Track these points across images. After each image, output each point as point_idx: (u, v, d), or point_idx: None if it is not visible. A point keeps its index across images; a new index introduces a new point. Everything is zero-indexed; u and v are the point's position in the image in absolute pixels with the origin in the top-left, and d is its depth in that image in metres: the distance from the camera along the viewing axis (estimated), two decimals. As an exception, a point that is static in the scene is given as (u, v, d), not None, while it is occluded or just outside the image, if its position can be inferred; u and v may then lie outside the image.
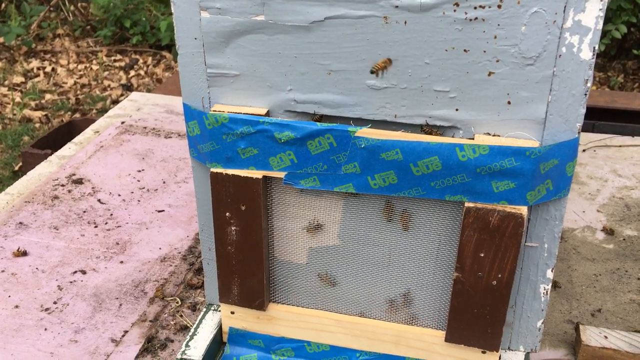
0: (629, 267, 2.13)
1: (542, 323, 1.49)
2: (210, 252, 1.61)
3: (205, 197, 1.54)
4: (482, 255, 1.34)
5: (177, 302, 2.00)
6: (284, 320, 1.59)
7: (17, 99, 5.30)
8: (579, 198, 2.55)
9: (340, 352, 1.59)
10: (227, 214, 1.47)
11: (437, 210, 1.38)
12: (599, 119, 3.43)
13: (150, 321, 1.91)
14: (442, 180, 1.31)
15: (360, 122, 1.37)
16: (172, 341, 1.83)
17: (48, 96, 5.32)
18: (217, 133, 1.39)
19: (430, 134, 1.33)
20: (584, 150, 2.91)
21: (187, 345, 1.57)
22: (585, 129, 3.21)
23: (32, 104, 5.22)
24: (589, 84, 1.21)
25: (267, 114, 1.41)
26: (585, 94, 1.23)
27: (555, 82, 1.22)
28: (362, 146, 1.32)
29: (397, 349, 1.54)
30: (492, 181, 1.28)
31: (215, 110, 1.40)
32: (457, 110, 1.30)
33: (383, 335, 1.54)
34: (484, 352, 1.48)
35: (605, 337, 1.71)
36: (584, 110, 1.24)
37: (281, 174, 1.41)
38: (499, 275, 1.36)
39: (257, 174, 1.41)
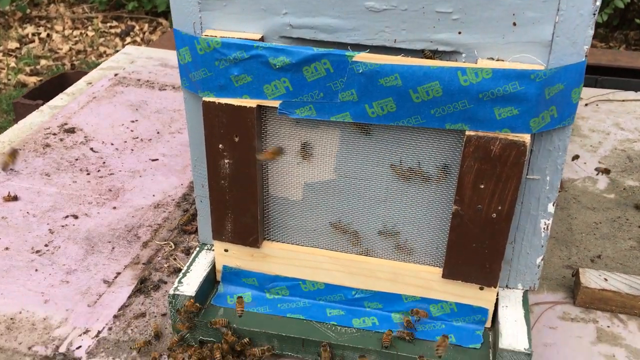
0: (630, 215, 2.10)
1: (542, 260, 1.46)
2: (203, 188, 1.57)
3: (197, 130, 1.49)
4: (482, 186, 1.30)
5: (171, 246, 1.97)
6: (278, 258, 1.56)
7: (12, 65, 5.20)
8: (581, 150, 2.51)
9: (335, 290, 1.56)
10: (220, 145, 1.42)
11: (437, 141, 1.34)
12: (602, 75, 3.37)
13: (143, 264, 1.88)
14: (442, 108, 1.26)
15: (358, 48, 1.31)
16: (165, 283, 1.81)
17: (43, 62, 5.23)
18: (209, 59, 1.33)
19: (432, 59, 1.28)
20: (586, 105, 2.86)
21: (179, 282, 1.54)
22: (588, 83, 3.15)
23: (27, 69, 5.13)
24: (597, 3, 1.16)
25: (261, 40, 1.35)
26: (594, 14, 1.17)
27: (563, 1, 1.17)
28: (360, 72, 1.26)
29: (393, 286, 1.51)
30: (495, 107, 1.23)
31: (207, 35, 1.35)
32: (459, 33, 1.24)
33: (379, 272, 1.51)
34: (481, 289, 1.45)
35: (605, 279, 1.69)
36: (592, 32, 1.19)
37: (276, 103, 1.36)
38: (499, 208, 1.32)
39: (251, 102, 1.36)
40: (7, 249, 1.91)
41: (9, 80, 5.00)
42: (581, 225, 2.06)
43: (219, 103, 1.37)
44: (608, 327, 1.64)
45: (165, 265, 1.87)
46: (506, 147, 1.25)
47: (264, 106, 1.38)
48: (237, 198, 1.47)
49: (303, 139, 1.43)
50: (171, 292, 1.52)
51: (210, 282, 1.61)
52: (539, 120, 1.24)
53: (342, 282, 1.55)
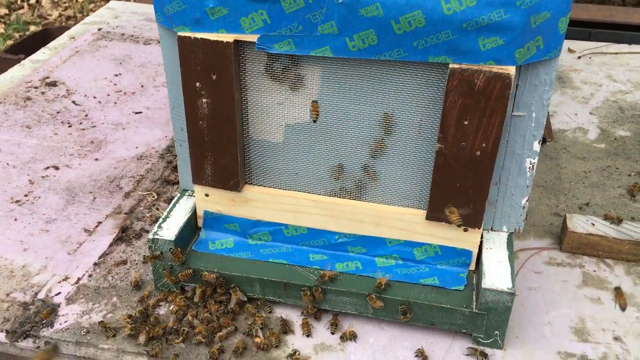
0: (620, 164, 2.07)
1: (527, 201, 1.43)
2: (182, 132, 1.53)
3: (174, 69, 1.44)
4: (466, 122, 1.27)
5: (153, 196, 1.94)
6: (260, 202, 1.53)
7: (1, 31, 5.09)
8: (572, 101, 2.47)
9: (318, 234, 1.53)
10: (197, 84, 1.37)
11: (420, 76, 1.30)
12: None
13: (125, 213, 1.85)
14: (425, 39, 1.21)
15: (339, -21, 1.26)
16: (146, 231, 1.78)
17: (32, 28, 5.11)
18: (184, -9, 1.28)
19: (414, -11, 1.23)
20: (579, 57, 2.81)
21: (159, 227, 1.51)
22: (582, 36, 3.10)
23: (16, 35, 5.02)
24: None
25: (238, -28, 1.30)
26: (583, -63, 1.12)
27: None
28: (340, 1, 1.21)
29: (377, 229, 1.49)
30: (479, 38, 1.18)
31: (181, -34, 1.29)
32: (443, -40, 1.19)
33: (362, 215, 1.48)
34: (465, 230, 1.43)
35: (593, 224, 1.67)
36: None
37: (254, 37, 1.30)
38: (483, 145, 1.28)
39: (228, 37, 1.31)
40: (-15, 199, 1.87)
41: (-4, 47, 4.90)
42: (570, 174, 2.03)
43: (194, 38, 1.32)
44: (594, 271, 1.63)
45: (148, 215, 1.84)
46: (491, 80, 1.21)
47: (241, 41, 1.33)
48: (216, 140, 1.43)
49: (283, 78, 1.38)
50: (150, 236, 1.49)
51: (191, 228, 1.58)
52: (525, 52, 1.20)
53: (325, 226, 1.52)
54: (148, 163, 2.10)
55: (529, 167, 1.38)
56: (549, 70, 1.26)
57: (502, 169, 1.39)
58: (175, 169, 2.06)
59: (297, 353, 1.38)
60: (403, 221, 1.46)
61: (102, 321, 1.44)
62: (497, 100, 1.23)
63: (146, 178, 2.02)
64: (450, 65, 1.22)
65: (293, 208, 1.52)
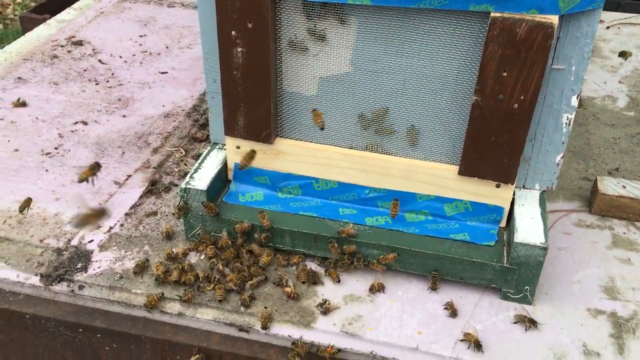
0: (650, 132, 2.05)
1: (561, 158, 1.42)
2: (214, 83, 1.53)
3: (209, 17, 1.43)
4: (505, 74, 1.25)
5: (181, 152, 1.95)
6: (291, 155, 1.53)
7: (18, 0, 5.08)
8: (601, 70, 2.44)
9: (348, 189, 1.54)
10: (233, 32, 1.37)
11: (459, 26, 1.28)
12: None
13: (154, 168, 1.87)
14: (467, -13, 1.20)
15: None
16: (175, 185, 1.79)
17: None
18: (223, -64, 1.27)
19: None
20: (607, 27, 2.76)
21: (191, 177, 1.52)
22: (611, 7, 3.05)
23: (32, 4, 5.02)
24: None
25: None
26: None
27: None
28: (381, -53, 1.20)
29: (407, 184, 1.49)
30: (523, -14, 1.17)
31: None
32: None
33: (393, 170, 1.48)
34: (498, 186, 1.42)
35: (624, 186, 1.66)
36: None
37: (292, -15, 1.30)
38: (522, 98, 1.27)
39: (265, -16, 1.30)
40: (16, 150, 1.89)
41: (15, 15, 4.90)
42: (599, 140, 2.01)
43: (232, -15, 1.31)
44: (624, 233, 1.62)
45: (176, 170, 1.86)
46: (533, 30, 1.19)
47: (279, -11, 1.33)
48: (250, 90, 1.43)
49: (319, 29, 1.37)
50: (182, 185, 1.50)
51: (221, 180, 1.59)
52: (569, 0, 1.18)
53: (355, 180, 1.52)
54: (175, 121, 2.10)
55: (566, 123, 1.37)
56: (591, 22, 1.24)
57: (538, 125, 1.38)
58: (202, 126, 2.07)
59: (327, 302, 1.40)
60: (434, 176, 1.46)
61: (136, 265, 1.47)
62: (538, 50, 1.22)
63: (173, 135, 2.03)
64: (492, 14, 1.21)
65: (324, 162, 1.52)
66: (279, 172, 1.56)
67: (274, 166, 1.56)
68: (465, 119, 1.37)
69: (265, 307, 1.39)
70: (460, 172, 1.42)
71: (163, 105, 2.19)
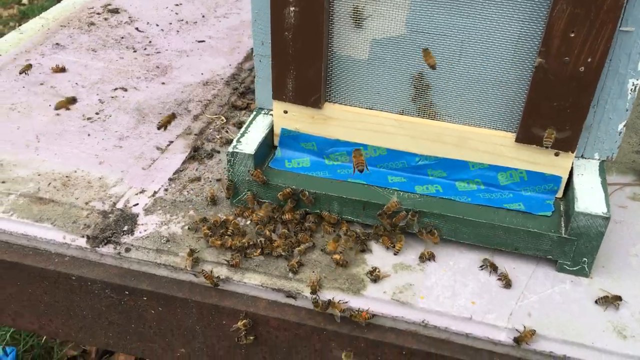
0: None
1: (624, 126, 1.36)
2: (263, 46, 1.49)
3: (261, -23, 1.39)
4: (573, 35, 1.20)
5: (222, 120, 1.92)
6: (340, 120, 1.50)
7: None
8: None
9: (398, 156, 1.50)
10: (286, -9, 1.33)
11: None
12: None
13: (195, 134, 1.84)
14: (537, -58, 1.14)
15: None
16: (218, 152, 1.77)
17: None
18: None
19: None
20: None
21: (238, 141, 1.50)
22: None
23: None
24: None
25: None
26: None
27: None
28: None
29: (460, 152, 1.45)
30: (598, -60, 1.11)
31: None
32: None
33: (446, 137, 1.44)
34: (557, 155, 1.37)
35: (682, 159, 1.59)
36: None
37: (350, -60, 1.25)
38: (589, 60, 1.22)
39: (322, -61, 1.26)
40: (58, 114, 1.88)
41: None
42: (652, 114, 1.94)
43: (287, -60, 1.27)
44: (682, 207, 1.57)
45: (218, 137, 1.83)
46: (606, -13, 1.14)
47: (336, -55, 1.28)
48: (301, 52, 1.40)
49: (375, -13, 1.33)
50: (230, 149, 1.47)
51: (267, 146, 1.56)
52: (647, -45, 1.12)
53: (405, 147, 1.48)
54: (214, 89, 2.07)
55: (631, 89, 1.31)
56: (667, -20, 1.18)
57: (602, 90, 1.33)
58: (241, 95, 2.04)
59: (377, 270, 1.37)
60: (489, 144, 1.42)
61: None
62: (609, 10, 1.16)
63: (213, 103, 2.00)
64: (562, -29, 1.15)
65: (373, 127, 1.48)
66: (326, 138, 1.53)
67: (322, 132, 1.52)
68: (526, 83, 1.32)
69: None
70: (518, 140, 1.37)
71: (202, 74, 2.16)
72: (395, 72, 1.41)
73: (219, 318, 1.42)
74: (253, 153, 1.46)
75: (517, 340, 1.24)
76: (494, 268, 1.37)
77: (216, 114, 1.94)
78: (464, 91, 1.39)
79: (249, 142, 1.50)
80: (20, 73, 2.03)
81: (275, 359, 1.44)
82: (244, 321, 1.37)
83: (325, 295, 1.34)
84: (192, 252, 1.39)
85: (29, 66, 2.05)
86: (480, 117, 1.41)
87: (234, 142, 1.49)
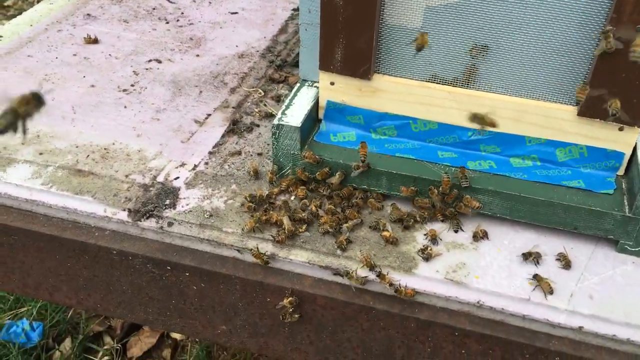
0: None
1: (695, 100, 1.29)
2: (309, 14, 1.43)
3: (310, -61, 1.33)
4: (648, 0, 1.13)
5: (260, 93, 1.87)
6: (389, 93, 1.43)
7: None
8: None
9: (449, 130, 1.44)
10: (339, -46, 1.26)
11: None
12: None
13: (233, 108, 1.79)
14: None
15: None
16: (257, 126, 1.72)
17: None
18: None
19: None
20: None
21: (283, 114, 1.44)
22: None
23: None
24: None
25: None
26: None
27: None
28: None
29: (516, 126, 1.38)
30: None
31: None
32: None
33: (502, 110, 1.37)
34: (621, 129, 1.30)
35: None
36: None
37: None
38: (664, 28, 1.14)
39: None
40: (92, 86, 1.84)
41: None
42: None
43: None
44: None
45: (256, 110, 1.78)
46: (690, -52, 1.06)
47: None
48: (352, 19, 1.33)
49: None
50: (275, 122, 1.42)
51: (312, 119, 1.50)
52: None
53: (458, 121, 1.42)
54: (250, 62, 2.02)
55: None
56: None
57: (673, 61, 1.25)
58: (278, 68, 1.98)
59: (429, 248, 1.32)
60: (549, 117, 1.35)
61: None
62: (691, -27, 1.08)
63: (250, 75, 1.95)
64: None
65: (425, 100, 1.42)
66: (374, 112, 1.47)
67: (370, 104, 1.47)
68: (590, 51, 1.25)
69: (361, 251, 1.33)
70: (580, 113, 1.30)
71: (236, 46, 2.10)
72: (449, 41, 1.35)
73: (263, 295, 1.38)
74: (299, 126, 1.41)
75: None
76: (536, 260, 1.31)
77: (253, 87, 1.88)
78: (524, 61, 1.32)
79: (294, 114, 1.45)
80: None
81: (320, 337, 1.41)
82: (290, 299, 1.33)
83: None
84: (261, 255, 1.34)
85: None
86: (541, 89, 1.34)
87: (279, 115, 1.44)
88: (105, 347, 2.60)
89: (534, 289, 1.24)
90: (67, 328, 2.65)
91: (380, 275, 1.27)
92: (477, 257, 1.32)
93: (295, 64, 1.99)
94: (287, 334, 1.43)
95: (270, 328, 1.44)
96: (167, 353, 2.65)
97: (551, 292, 1.23)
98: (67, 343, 2.60)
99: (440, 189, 1.36)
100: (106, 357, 2.60)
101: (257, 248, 1.33)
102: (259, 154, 1.60)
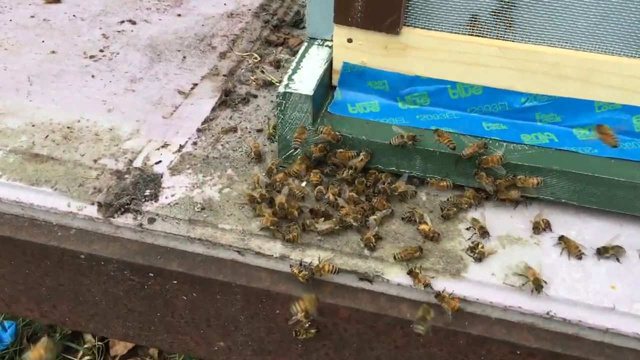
0: None
1: None
2: (320, -47, 1.14)
3: None
4: None
5: (256, 58, 1.57)
6: (422, 50, 1.15)
7: None
8: None
9: (497, 96, 1.16)
10: None
11: None
12: None
13: (224, 75, 1.50)
14: None
15: None
16: (255, 96, 1.42)
17: None
18: None
19: None
20: None
21: (290, 79, 1.15)
22: None
23: None
24: None
25: None
26: None
27: None
28: None
29: (583, 89, 1.10)
30: None
31: None
32: None
33: (566, 68, 1.09)
34: None
35: None
36: None
37: None
38: None
39: None
40: (53, 52, 1.52)
41: None
42: None
43: None
44: None
45: (252, 78, 1.48)
46: None
47: None
48: (378, -46, 1.04)
49: None
50: (281, 89, 1.13)
51: (324, 85, 1.22)
52: None
53: (509, 84, 1.14)
54: (241, 22, 1.71)
55: None
56: None
57: None
58: (275, 28, 1.68)
59: (479, 245, 1.05)
60: (626, 77, 1.07)
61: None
62: None
63: (242, 38, 1.64)
64: None
65: (466, 58, 1.13)
66: (402, 75, 1.18)
67: (397, 66, 1.18)
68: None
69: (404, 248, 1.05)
70: (669, 70, 1.03)
71: (224, 4, 1.79)
72: (501, -18, 1.06)
73: (271, 307, 1.11)
74: (311, 94, 1.12)
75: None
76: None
77: (247, 52, 1.58)
78: (596, 6, 1.04)
79: (304, 80, 1.15)
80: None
81: (341, 356, 1.14)
82: (306, 311, 1.06)
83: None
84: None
85: None
86: (616, 41, 1.06)
87: (285, 81, 1.15)
88: (86, 346, 2.33)
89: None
90: (43, 326, 2.38)
91: (412, 273, 1.00)
92: (541, 254, 1.06)
93: (295, 24, 1.70)
94: (300, 351, 1.17)
95: (279, 344, 1.17)
96: (155, 351, 2.39)
97: None
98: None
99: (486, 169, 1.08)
100: (87, 357, 2.34)
101: (301, 262, 1.05)
102: (259, 131, 1.31)
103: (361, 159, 1.13)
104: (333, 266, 1.02)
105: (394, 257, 1.03)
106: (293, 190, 1.12)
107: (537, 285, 0.98)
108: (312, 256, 1.06)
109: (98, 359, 2.29)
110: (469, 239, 1.08)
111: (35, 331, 2.35)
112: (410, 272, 1.02)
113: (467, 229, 1.10)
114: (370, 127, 1.17)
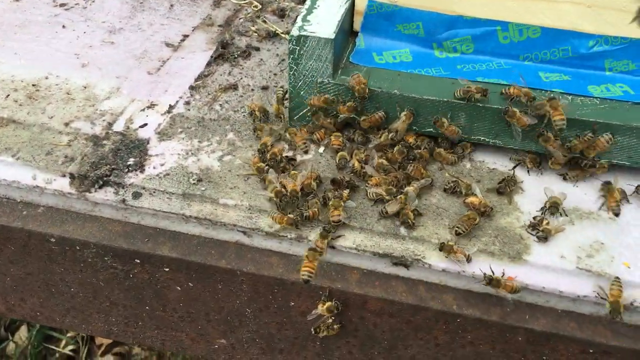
0: None
1: None
2: None
3: None
4: None
5: (256, 6, 1.35)
6: (467, -17, 0.94)
7: None
8: None
9: (559, 39, 0.95)
10: None
11: None
12: None
13: (220, 26, 1.28)
14: None
15: None
16: (257, 49, 1.21)
17: None
18: None
19: None
20: None
21: (305, 20, 0.94)
22: None
23: None
24: None
25: None
26: None
27: None
28: None
29: (667, 29, 0.91)
30: None
31: None
32: None
33: (647, 4, 0.90)
34: None
35: None
36: None
37: None
38: None
39: None
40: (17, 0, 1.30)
41: None
42: None
43: None
44: None
45: (253, 29, 1.27)
46: None
47: None
48: None
49: None
50: (295, 32, 0.92)
51: (344, 31, 1.00)
52: None
53: (574, 24, 0.94)
54: (238, -32, 1.49)
55: None
56: None
57: None
58: (278, -25, 1.46)
59: (544, 221, 0.85)
60: None
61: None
62: None
63: (239, -16, 1.42)
64: None
65: (522, -6, 0.93)
66: (441, 14, 0.98)
67: (435, 4, 0.97)
68: None
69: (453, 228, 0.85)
70: None
71: (217, -53, 1.56)
72: None
73: (284, 298, 0.92)
74: (332, 38, 0.91)
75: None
76: None
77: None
78: None
79: (321, 22, 0.94)
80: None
81: (368, 356, 0.95)
82: (329, 304, 0.87)
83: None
84: (326, 233, 0.85)
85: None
86: None
87: (299, 23, 0.94)
88: (69, 335, 2.15)
89: None
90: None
91: (445, 247, 0.81)
92: (618, 231, 0.87)
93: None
94: (318, 350, 0.98)
95: (293, 342, 0.98)
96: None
97: None
98: (22, 332, 2.16)
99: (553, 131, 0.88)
100: (70, 346, 2.16)
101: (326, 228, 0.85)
102: (264, 88, 1.10)
103: (404, 121, 0.92)
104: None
105: (456, 233, 0.83)
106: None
107: (614, 310, 0.78)
108: (337, 237, 0.86)
109: (82, 348, 2.11)
110: (535, 215, 0.87)
111: (14, 320, 2.17)
112: (442, 247, 0.82)
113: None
114: (402, 79, 0.96)
